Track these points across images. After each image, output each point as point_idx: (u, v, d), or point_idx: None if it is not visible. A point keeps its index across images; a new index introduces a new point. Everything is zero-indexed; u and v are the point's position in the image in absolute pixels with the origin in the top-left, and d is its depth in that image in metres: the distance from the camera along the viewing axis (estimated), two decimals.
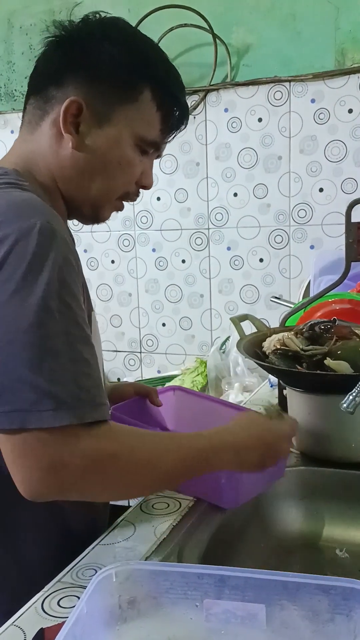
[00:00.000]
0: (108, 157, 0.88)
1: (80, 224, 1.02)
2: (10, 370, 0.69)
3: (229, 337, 2.02)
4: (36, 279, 0.70)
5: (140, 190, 0.96)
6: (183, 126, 0.95)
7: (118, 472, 0.74)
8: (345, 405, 0.89)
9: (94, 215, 0.94)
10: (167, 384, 1.98)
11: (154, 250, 2.16)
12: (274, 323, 1.91)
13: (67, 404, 0.69)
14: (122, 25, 0.90)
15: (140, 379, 2.20)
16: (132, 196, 0.95)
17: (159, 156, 0.97)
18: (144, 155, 0.92)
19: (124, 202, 0.96)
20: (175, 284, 2.16)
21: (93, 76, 0.86)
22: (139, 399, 1.17)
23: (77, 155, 0.87)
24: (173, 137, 0.95)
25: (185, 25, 1.94)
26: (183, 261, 2.13)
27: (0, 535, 0.84)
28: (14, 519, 0.84)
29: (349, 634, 0.62)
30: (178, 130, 0.95)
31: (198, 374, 2.05)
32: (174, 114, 0.92)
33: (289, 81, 1.87)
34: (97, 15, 0.89)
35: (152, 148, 0.92)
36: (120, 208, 0.96)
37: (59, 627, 0.69)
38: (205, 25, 1.91)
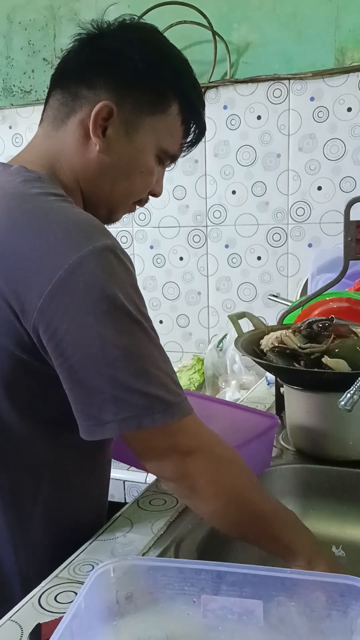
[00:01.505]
0: (132, 164, 0.89)
1: None
2: (121, 384, 0.74)
3: (226, 334, 2.02)
4: (121, 296, 0.74)
5: None
6: (198, 143, 0.97)
7: (210, 460, 0.81)
8: (343, 403, 0.90)
9: (108, 217, 0.95)
10: None
11: (151, 247, 2.16)
12: (272, 321, 1.91)
13: (171, 402, 0.77)
14: (158, 36, 0.92)
15: None
16: (144, 202, 0.97)
17: (169, 164, 0.98)
18: (159, 164, 0.94)
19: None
20: (173, 282, 2.16)
21: (126, 82, 0.86)
22: None
23: (102, 158, 0.88)
24: (188, 153, 0.97)
25: (185, 22, 1.94)
26: (181, 258, 2.13)
27: (9, 526, 0.85)
28: (23, 511, 0.85)
29: (345, 631, 0.63)
30: (194, 147, 0.97)
31: (195, 372, 2.05)
32: (195, 131, 0.94)
33: (289, 79, 1.87)
34: (134, 18, 0.91)
35: (170, 160, 0.94)
36: (132, 210, 0.98)
37: (56, 622, 0.69)
38: (205, 22, 1.91)
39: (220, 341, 2.02)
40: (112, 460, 0.99)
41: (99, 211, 0.92)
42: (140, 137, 0.88)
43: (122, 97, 0.86)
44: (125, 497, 1.54)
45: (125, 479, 1.56)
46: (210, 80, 1.95)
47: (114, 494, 1.54)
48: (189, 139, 0.94)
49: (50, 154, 0.89)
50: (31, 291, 0.73)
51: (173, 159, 0.95)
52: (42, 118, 0.92)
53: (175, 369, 2.09)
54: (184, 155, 0.98)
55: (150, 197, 0.98)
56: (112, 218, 0.96)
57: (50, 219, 0.77)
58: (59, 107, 0.89)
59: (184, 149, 0.95)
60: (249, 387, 1.82)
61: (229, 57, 1.92)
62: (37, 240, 0.75)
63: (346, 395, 0.90)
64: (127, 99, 0.86)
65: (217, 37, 1.92)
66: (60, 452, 0.85)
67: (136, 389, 0.74)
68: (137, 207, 0.98)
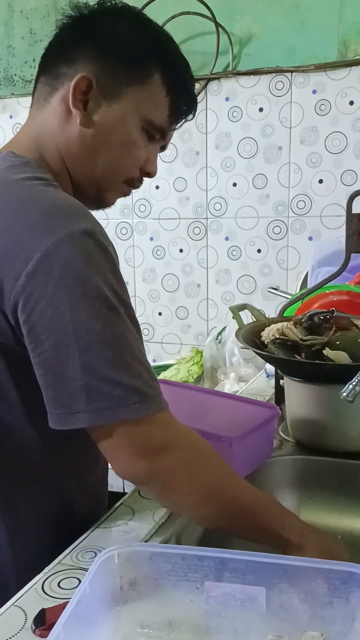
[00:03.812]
0: (114, 135, 0.88)
1: None
2: (94, 371, 0.72)
3: (225, 327, 2.03)
4: (98, 280, 0.73)
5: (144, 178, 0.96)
6: (191, 115, 0.95)
7: (186, 455, 0.79)
8: (345, 394, 0.90)
9: (98, 198, 0.94)
10: (162, 373, 1.99)
11: (151, 239, 2.16)
12: (271, 314, 1.91)
13: (148, 394, 0.74)
14: (137, 10, 0.92)
15: None
16: (136, 182, 0.95)
17: (163, 147, 0.97)
18: (150, 141, 0.92)
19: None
20: (173, 274, 2.16)
21: (104, 53, 0.86)
22: None
23: (84, 131, 0.87)
24: (180, 125, 0.95)
25: (188, 13, 1.93)
26: (181, 250, 2.13)
27: (5, 514, 0.85)
28: (17, 499, 0.84)
29: (347, 618, 0.63)
30: (186, 119, 0.95)
31: (194, 364, 2.05)
32: (183, 101, 0.92)
33: (291, 71, 1.86)
34: (113, 1, 0.90)
35: (159, 133, 0.92)
36: (126, 193, 0.96)
37: (59, 607, 0.70)
38: (208, 13, 1.91)
39: (219, 333, 2.03)
40: None
41: (87, 191, 0.92)
42: (121, 107, 0.87)
43: (101, 68, 0.86)
44: (124, 487, 1.54)
45: None
46: (213, 72, 1.94)
47: (113, 483, 1.54)
48: (177, 111, 0.92)
49: (37, 136, 0.89)
50: (8, 274, 0.72)
51: (162, 133, 0.93)
52: (31, 104, 0.93)
53: (174, 361, 2.10)
54: (175, 129, 0.95)
55: (150, 184, 0.97)
56: (103, 199, 0.94)
57: (29, 203, 0.76)
58: (42, 89, 0.90)
59: (173, 121, 0.93)
60: (248, 379, 1.82)
61: (232, 48, 1.92)
62: (15, 224, 0.74)
63: (348, 386, 0.91)
64: (106, 69, 0.86)
65: (219, 28, 1.91)
66: (52, 439, 0.81)
67: (110, 377, 0.72)
68: (130, 190, 0.96)
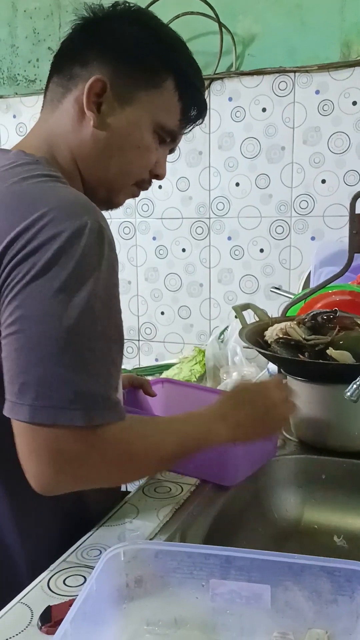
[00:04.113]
0: (127, 138, 0.89)
1: None
2: (49, 367, 0.70)
3: (227, 326, 2.03)
4: (83, 280, 0.72)
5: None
6: (201, 120, 0.96)
7: (125, 466, 0.79)
8: (349, 393, 0.91)
9: (109, 199, 0.94)
10: (165, 373, 1.99)
11: (154, 238, 2.16)
12: (273, 314, 1.91)
13: (98, 404, 0.72)
14: (151, 15, 0.93)
15: (138, 366, 2.21)
16: (145, 184, 0.96)
17: (172, 150, 0.98)
18: (161, 144, 0.93)
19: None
20: (175, 273, 2.16)
21: (118, 57, 0.87)
22: (133, 390, 1.20)
23: (97, 133, 0.88)
24: (190, 130, 0.96)
25: (192, 13, 1.93)
26: (183, 250, 2.13)
27: (15, 513, 0.85)
28: (28, 497, 0.85)
29: (351, 615, 0.64)
30: (195, 124, 0.96)
31: (196, 363, 2.05)
32: (194, 107, 0.93)
33: (294, 72, 1.87)
34: (127, 3, 0.91)
35: (169, 137, 0.93)
36: (135, 194, 0.97)
37: (65, 604, 0.71)
38: (211, 13, 1.91)
39: (222, 333, 2.03)
40: None
41: (98, 192, 0.92)
42: (135, 111, 0.88)
43: (116, 72, 0.87)
44: (127, 486, 1.55)
45: None
46: (216, 72, 1.94)
47: None
48: (188, 116, 0.93)
49: (49, 136, 0.90)
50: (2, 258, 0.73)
51: (173, 137, 0.94)
52: (42, 105, 0.94)
53: (176, 360, 2.11)
54: (185, 133, 0.97)
55: (153, 184, 0.98)
56: (113, 201, 0.95)
57: (38, 199, 0.76)
58: (56, 89, 0.91)
59: (183, 126, 0.94)
60: (251, 379, 1.83)
61: (235, 48, 1.92)
62: (22, 220, 0.74)
63: (352, 386, 0.91)
64: (120, 73, 0.87)
65: (223, 28, 1.91)
66: None
67: (64, 378, 0.70)
68: (140, 191, 0.97)
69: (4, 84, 2.29)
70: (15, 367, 0.72)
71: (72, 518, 0.89)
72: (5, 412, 0.73)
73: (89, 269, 0.73)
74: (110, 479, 0.83)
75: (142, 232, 2.16)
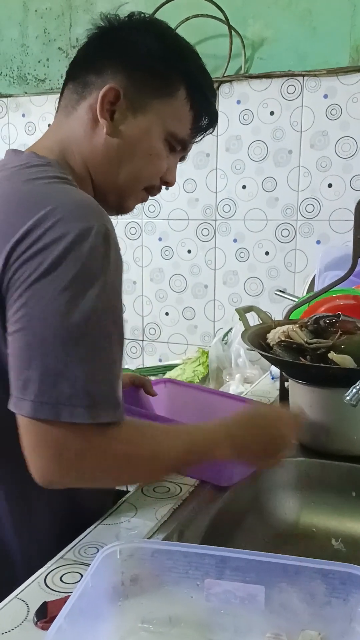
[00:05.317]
0: (138, 146, 0.90)
1: None
2: (52, 364, 0.72)
3: (231, 328, 2.03)
4: (89, 281, 0.73)
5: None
6: (211, 130, 0.98)
7: (128, 468, 0.80)
8: (348, 397, 0.91)
9: (119, 204, 0.96)
10: (168, 373, 2.00)
11: (160, 239, 2.17)
12: (277, 316, 1.90)
13: (100, 403, 0.73)
14: (166, 25, 0.94)
15: (141, 367, 2.22)
16: (155, 190, 0.98)
17: (183, 158, 0.99)
18: (171, 152, 0.94)
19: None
20: (180, 274, 2.17)
21: (132, 66, 0.89)
22: (134, 389, 1.21)
23: (110, 141, 0.89)
24: (201, 139, 0.98)
25: (202, 15, 1.94)
26: (189, 251, 2.14)
27: (12, 509, 0.86)
28: (25, 493, 0.86)
29: (345, 618, 0.64)
30: (206, 133, 0.98)
31: (199, 364, 2.06)
32: (205, 117, 0.95)
33: (303, 76, 1.87)
34: (143, 14, 0.93)
35: (180, 146, 0.95)
36: (144, 199, 0.99)
37: (61, 601, 0.71)
38: (221, 16, 1.92)
39: (226, 335, 2.04)
40: None
41: (109, 198, 0.94)
42: (147, 119, 0.90)
43: (129, 81, 0.88)
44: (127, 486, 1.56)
45: None
46: (225, 75, 1.95)
47: None
48: (198, 125, 0.95)
49: (62, 141, 0.91)
50: (6, 255, 0.74)
51: (184, 145, 0.96)
52: (57, 110, 0.95)
53: (180, 361, 2.11)
54: (196, 142, 0.98)
55: (162, 188, 0.99)
56: (123, 206, 0.97)
57: (46, 199, 0.77)
58: (70, 96, 0.92)
59: (194, 135, 0.96)
60: (253, 381, 1.83)
61: (244, 52, 1.93)
62: (29, 220, 0.75)
63: (352, 390, 0.91)
64: (133, 82, 0.88)
65: (232, 31, 1.92)
66: None
67: (67, 375, 0.71)
68: (148, 197, 0.99)
69: (13, 83, 2.30)
70: (20, 363, 0.73)
71: (68, 516, 0.90)
72: (10, 407, 0.74)
73: (95, 270, 0.74)
74: (112, 479, 0.84)
75: (148, 233, 2.17)
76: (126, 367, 2.27)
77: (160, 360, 2.26)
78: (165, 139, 0.92)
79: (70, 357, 0.72)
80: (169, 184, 0.98)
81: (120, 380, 0.79)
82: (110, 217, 0.83)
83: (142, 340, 2.28)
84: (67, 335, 0.72)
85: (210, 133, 0.99)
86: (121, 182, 0.92)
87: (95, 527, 0.89)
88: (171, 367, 2.09)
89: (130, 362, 2.30)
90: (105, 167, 0.91)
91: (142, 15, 0.93)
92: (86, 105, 0.90)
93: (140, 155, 0.91)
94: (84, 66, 0.92)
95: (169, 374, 1.99)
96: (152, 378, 1.29)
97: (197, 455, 0.87)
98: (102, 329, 0.75)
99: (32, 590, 0.75)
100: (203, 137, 0.98)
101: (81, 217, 0.75)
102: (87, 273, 0.73)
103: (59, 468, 0.73)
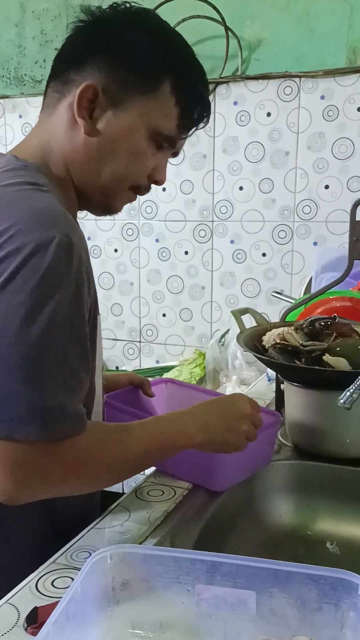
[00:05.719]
0: (120, 145, 0.87)
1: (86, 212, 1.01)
2: (5, 382, 0.71)
3: (228, 330, 2.03)
4: (46, 295, 0.71)
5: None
6: (203, 123, 0.93)
7: (93, 472, 0.80)
8: (342, 401, 0.90)
9: (105, 204, 0.93)
10: (165, 375, 2.00)
11: (157, 240, 2.16)
12: (274, 318, 1.92)
13: (54, 419, 0.72)
14: (152, 15, 0.90)
15: (138, 368, 2.21)
16: (142, 190, 0.94)
17: (175, 153, 0.95)
18: (159, 149, 0.90)
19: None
20: (177, 275, 2.17)
21: (113, 61, 0.85)
22: (133, 389, 1.20)
23: (89, 140, 0.86)
24: (192, 133, 0.93)
25: (198, 16, 1.94)
26: (186, 253, 2.13)
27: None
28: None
29: (336, 624, 0.64)
30: (197, 127, 0.93)
31: (196, 366, 2.06)
32: (194, 110, 0.90)
33: (300, 77, 1.87)
34: (127, 4, 0.88)
35: (167, 143, 0.90)
36: (132, 199, 0.95)
37: (52, 606, 0.71)
38: (218, 17, 1.91)
39: (223, 336, 2.03)
40: None
41: (94, 198, 0.91)
42: (128, 117, 0.86)
43: (110, 76, 0.85)
44: (123, 488, 1.55)
45: None
46: (221, 76, 1.95)
47: None
48: (187, 121, 0.90)
49: (43, 141, 0.89)
50: None
51: (171, 142, 0.91)
52: (41, 109, 0.93)
53: (177, 363, 2.11)
54: (188, 137, 0.93)
55: (156, 189, 0.96)
56: (110, 206, 0.94)
57: (13, 207, 0.76)
58: (52, 94, 0.90)
59: (183, 131, 0.90)
60: (250, 382, 1.83)
61: (241, 53, 1.93)
62: None
63: (345, 393, 0.91)
64: (114, 77, 0.85)
65: (229, 32, 1.92)
66: None
67: (20, 392, 0.70)
68: (137, 195, 0.95)
69: (10, 84, 2.30)
70: None
71: (52, 524, 0.89)
72: None
73: (53, 284, 0.72)
74: (77, 488, 0.82)
75: (145, 234, 2.16)
76: (123, 368, 2.27)
77: (157, 361, 2.26)
78: (151, 136, 0.88)
79: (23, 374, 0.71)
80: (158, 182, 0.94)
81: (83, 394, 0.78)
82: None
83: (139, 342, 2.28)
84: (22, 352, 0.70)
85: (203, 128, 0.94)
86: (103, 182, 0.89)
87: (87, 531, 0.88)
88: (168, 369, 2.09)
89: (128, 363, 2.29)
90: (86, 167, 0.88)
91: (127, 4, 0.88)
92: (66, 103, 0.87)
93: (122, 154, 0.87)
94: (65, 63, 0.88)
95: (165, 376, 1.99)
96: (150, 379, 1.28)
97: (164, 441, 0.86)
98: (60, 345, 0.73)
99: (23, 595, 0.75)
100: (195, 131, 0.93)
101: (41, 228, 0.73)
102: (45, 287, 0.71)
103: (17, 486, 0.73)
